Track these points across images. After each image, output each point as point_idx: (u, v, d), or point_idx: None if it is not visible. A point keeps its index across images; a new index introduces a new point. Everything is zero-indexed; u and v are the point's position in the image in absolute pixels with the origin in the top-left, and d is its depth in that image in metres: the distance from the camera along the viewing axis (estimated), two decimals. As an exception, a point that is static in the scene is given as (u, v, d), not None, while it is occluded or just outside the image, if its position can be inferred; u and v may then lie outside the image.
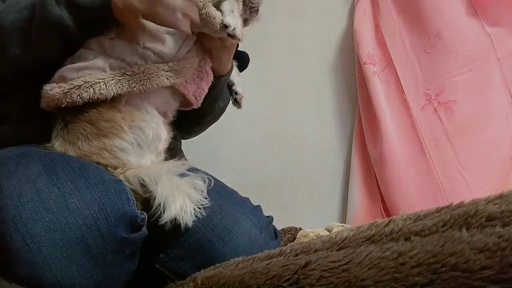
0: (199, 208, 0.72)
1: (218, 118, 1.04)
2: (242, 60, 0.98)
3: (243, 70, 1.00)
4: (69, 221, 0.58)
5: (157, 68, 0.76)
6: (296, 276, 0.51)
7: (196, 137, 1.12)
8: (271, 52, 1.53)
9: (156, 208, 0.68)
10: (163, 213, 0.68)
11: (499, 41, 1.27)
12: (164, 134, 0.82)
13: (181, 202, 0.70)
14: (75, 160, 0.70)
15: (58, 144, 0.76)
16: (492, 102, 1.27)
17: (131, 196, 0.66)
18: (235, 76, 0.97)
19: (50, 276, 0.55)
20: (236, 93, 0.97)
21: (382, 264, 0.48)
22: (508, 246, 0.44)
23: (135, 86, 0.74)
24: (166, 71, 0.77)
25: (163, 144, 0.83)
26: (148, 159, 0.78)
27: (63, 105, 0.74)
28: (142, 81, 0.75)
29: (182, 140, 1.06)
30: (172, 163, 0.81)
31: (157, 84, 0.76)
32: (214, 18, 0.73)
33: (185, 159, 1.03)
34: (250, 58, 1.01)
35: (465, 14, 1.29)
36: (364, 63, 1.38)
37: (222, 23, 0.73)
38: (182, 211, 0.69)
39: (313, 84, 1.53)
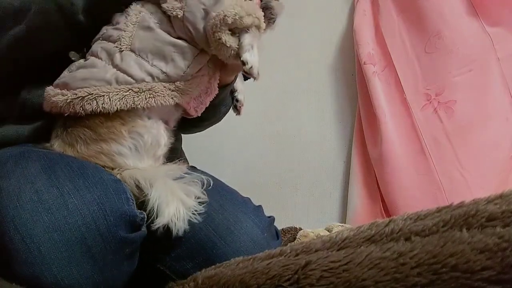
0: (194, 214, 0.71)
1: (219, 121, 1.03)
2: None
3: (248, 79, 0.97)
4: (69, 221, 0.58)
5: (164, 87, 0.75)
6: (296, 276, 0.51)
7: (196, 137, 1.11)
8: (271, 52, 1.52)
9: (150, 212, 0.68)
10: (156, 218, 0.67)
11: (499, 41, 1.27)
12: (163, 140, 0.81)
13: (174, 208, 0.69)
14: (74, 160, 0.70)
15: (57, 145, 0.76)
16: (492, 102, 1.27)
17: (131, 195, 0.66)
18: (239, 82, 0.95)
19: (50, 276, 0.55)
20: (237, 100, 0.96)
21: (382, 265, 0.48)
22: (508, 246, 0.44)
23: (139, 104, 0.74)
24: (172, 91, 0.76)
25: (162, 150, 0.82)
26: (145, 163, 0.78)
27: (66, 114, 0.74)
28: (147, 99, 0.74)
29: (182, 140, 1.06)
30: (169, 166, 0.81)
31: (161, 103, 0.75)
32: (228, 46, 0.72)
33: (185, 159, 1.03)
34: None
35: (465, 14, 1.29)
36: (364, 63, 1.38)
37: (239, 57, 0.72)
38: (175, 217, 0.68)
39: (313, 84, 1.52)
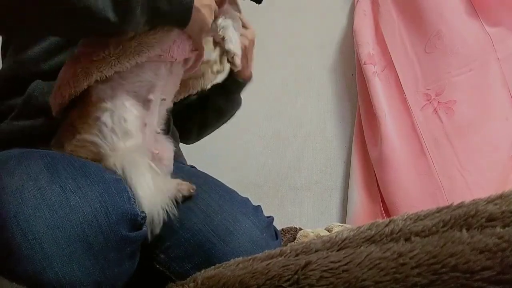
0: (170, 206, 0.71)
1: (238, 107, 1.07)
2: None
3: (261, 1, 0.84)
4: (71, 218, 0.58)
5: (128, 46, 0.72)
6: (296, 276, 0.51)
7: (196, 137, 1.11)
8: (271, 52, 1.53)
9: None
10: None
11: (499, 41, 1.27)
12: (130, 114, 0.76)
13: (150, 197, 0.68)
14: (76, 159, 0.70)
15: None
16: (492, 102, 1.27)
17: (132, 194, 0.66)
18: (230, 29, 0.81)
19: (51, 272, 0.55)
20: (227, 52, 0.81)
21: (382, 265, 0.48)
22: (508, 247, 0.44)
23: (129, 62, 0.71)
24: (135, 47, 0.72)
25: (133, 124, 0.76)
26: (119, 144, 0.74)
27: (63, 106, 0.74)
28: (111, 65, 0.71)
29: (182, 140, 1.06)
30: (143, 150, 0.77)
31: (129, 63, 0.72)
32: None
33: (184, 159, 1.03)
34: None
35: (465, 14, 1.29)
36: (364, 63, 1.38)
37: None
38: (155, 208, 0.68)
39: (313, 84, 1.53)
